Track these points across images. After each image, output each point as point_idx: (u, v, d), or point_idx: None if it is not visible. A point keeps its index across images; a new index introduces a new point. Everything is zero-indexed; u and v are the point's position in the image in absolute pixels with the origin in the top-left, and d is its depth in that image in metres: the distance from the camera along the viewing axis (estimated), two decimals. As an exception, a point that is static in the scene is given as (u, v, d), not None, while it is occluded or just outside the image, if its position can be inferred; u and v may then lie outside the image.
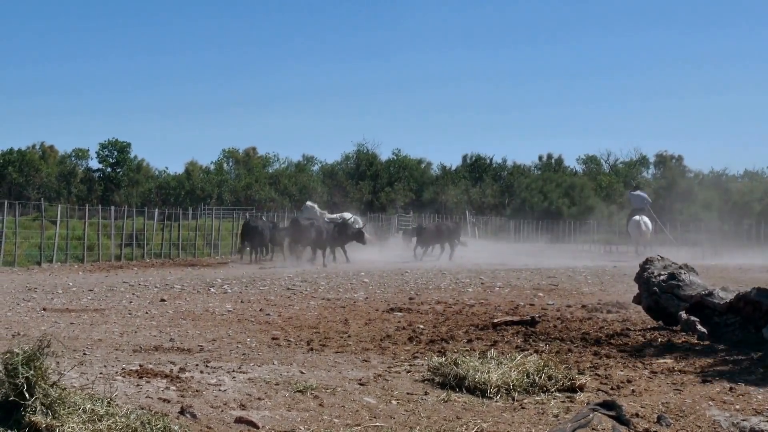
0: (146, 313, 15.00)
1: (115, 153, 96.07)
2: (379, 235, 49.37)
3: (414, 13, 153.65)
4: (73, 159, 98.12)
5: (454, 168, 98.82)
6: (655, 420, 7.13)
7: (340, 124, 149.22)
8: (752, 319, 10.91)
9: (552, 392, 8.06)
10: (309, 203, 43.09)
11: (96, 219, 36.25)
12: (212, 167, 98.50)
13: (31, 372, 5.63)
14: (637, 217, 40.18)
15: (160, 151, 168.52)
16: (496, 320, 13.62)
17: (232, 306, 16.27)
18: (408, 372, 9.18)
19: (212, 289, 19.71)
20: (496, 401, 7.78)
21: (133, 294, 18.39)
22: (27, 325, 13.06)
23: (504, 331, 12.69)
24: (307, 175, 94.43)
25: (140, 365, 8.63)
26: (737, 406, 7.70)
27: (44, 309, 15.17)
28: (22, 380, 5.59)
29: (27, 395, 5.58)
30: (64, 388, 5.94)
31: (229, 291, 19.50)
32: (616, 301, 16.49)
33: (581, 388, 8.22)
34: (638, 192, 43.99)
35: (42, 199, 44.09)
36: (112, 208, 39.40)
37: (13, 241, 30.50)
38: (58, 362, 6.08)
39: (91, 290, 19.10)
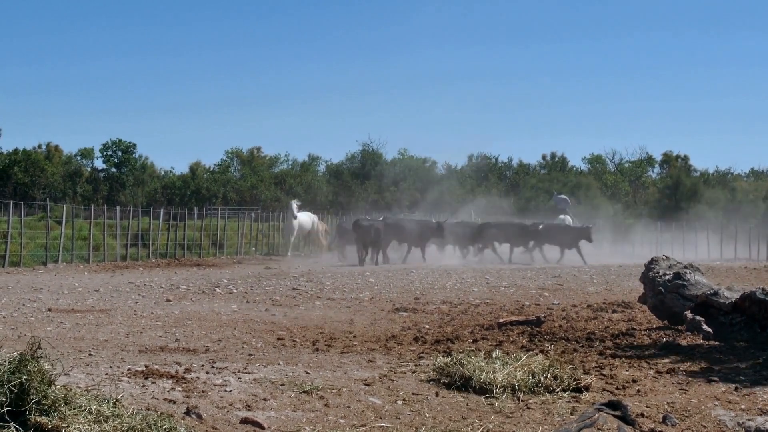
0: (152, 313, 15.02)
1: (120, 153, 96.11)
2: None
3: (419, 12, 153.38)
4: (78, 159, 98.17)
5: (459, 167, 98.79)
6: (661, 420, 7.13)
7: (345, 124, 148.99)
8: (757, 319, 10.92)
9: (557, 392, 8.06)
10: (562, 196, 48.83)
11: (101, 219, 36.24)
12: (217, 167, 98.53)
13: (25, 377, 5.62)
14: (561, 216, 44.23)
15: (165, 151, 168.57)
16: (501, 320, 13.63)
17: (237, 306, 16.29)
18: (413, 372, 9.18)
19: (218, 290, 19.73)
20: (502, 401, 7.78)
21: (139, 294, 18.41)
22: (33, 325, 13.08)
23: (509, 331, 12.69)
24: (312, 175, 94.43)
25: (146, 366, 8.64)
26: (742, 406, 7.70)
27: (50, 309, 15.20)
28: (16, 384, 5.58)
29: (24, 399, 5.58)
30: (70, 389, 5.95)
31: (235, 291, 19.52)
32: (621, 301, 16.48)
33: (587, 388, 8.22)
34: (562, 195, 50.83)
35: (47, 199, 44.17)
36: (118, 208, 39.44)
37: (19, 241, 30.51)
38: (52, 363, 6.05)
39: (96, 291, 19.12)
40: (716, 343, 11.07)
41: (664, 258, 14.42)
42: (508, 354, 9.45)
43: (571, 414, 7.28)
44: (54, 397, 5.69)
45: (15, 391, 5.56)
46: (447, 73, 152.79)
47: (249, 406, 7.12)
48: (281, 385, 7.99)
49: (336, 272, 26.85)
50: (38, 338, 5.97)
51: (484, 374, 8.22)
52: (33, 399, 5.58)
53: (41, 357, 5.80)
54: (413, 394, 8.02)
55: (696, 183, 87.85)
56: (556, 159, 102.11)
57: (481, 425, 6.89)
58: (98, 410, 5.79)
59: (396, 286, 21.69)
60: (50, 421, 5.53)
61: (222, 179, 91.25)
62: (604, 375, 9.11)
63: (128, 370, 8.34)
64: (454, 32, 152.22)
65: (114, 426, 5.64)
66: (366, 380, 8.55)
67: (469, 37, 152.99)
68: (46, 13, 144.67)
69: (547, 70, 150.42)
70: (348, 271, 27.48)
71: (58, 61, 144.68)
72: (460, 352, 9.43)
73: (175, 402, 7.00)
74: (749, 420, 7.16)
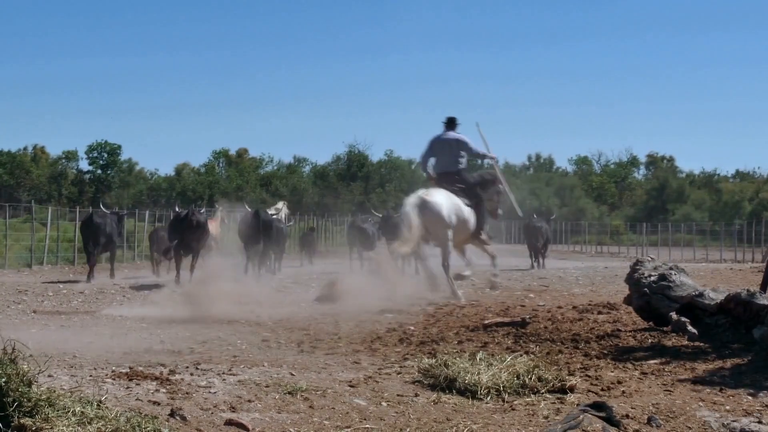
0: (137, 315, 14.99)
1: (105, 155, 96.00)
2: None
3: (406, 14, 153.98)
4: (63, 161, 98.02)
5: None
6: (646, 421, 7.13)
7: (331, 125, 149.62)
8: (743, 320, 10.92)
9: (542, 393, 8.05)
10: None
11: (87, 221, 36.19)
12: (203, 168, 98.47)
13: (3, 379, 5.60)
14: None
15: (152, 153, 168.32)
16: (486, 321, 13.62)
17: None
18: (398, 373, 9.17)
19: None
20: (487, 403, 7.77)
21: (124, 296, 18.37)
22: (17, 327, 13.03)
23: (495, 333, 12.68)
24: (298, 176, 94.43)
25: (130, 367, 8.61)
26: (727, 407, 7.71)
27: (35, 311, 15.17)
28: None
29: (2, 402, 5.55)
30: (53, 391, 5.93)
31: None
32: (606, 302, 16.48)
33: (571, 389, 8.21)
34: None
35: (32, 201, 44.00)
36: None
37: (4, 243, 30.45)
38: (33, 365, 6.03)
39: (81, 293, 19.08)
40: (702, 344, 11.08)
41: (650, 259, 14.44)
42: (493, 355, 9.43)
43: (556, 415, 7.27)
44: (36, 398, 5.66)
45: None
46: (433, 75, 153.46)
47: (233, 408, 7.09)
48: (266, 386, 7.97)
49: (321, 274, 26.81)
50: (14, 340, 5.94)
51: (468, 376, 8.21)
52: (13, 401, 5.55)
53: (19, 358, 5.78)
54: (398, 395, 8.01)
55: (682, 184, 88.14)
56: (542, 160, 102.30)
57: (466, 426, 6.88)
58: (82, 412, 5.76)
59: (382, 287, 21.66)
60: (33, 422, 5.50)
61: (207, 181, 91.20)
62: (589, 376, 9.11)
63: (112, 371, 8.31)
64: (441, 34, 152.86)
65: (98, 428, 5.61)
66: (351, 382, 8.54)
67: (455, 39, 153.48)
68: (29, 14, 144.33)
69: (534, 71, 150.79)
70: (334, 273, 27.44)
71: (44, 62, 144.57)
72: (445, 354, 9.41)
73: (159, 404, 6.98)
74: (734, 421, 7.17)
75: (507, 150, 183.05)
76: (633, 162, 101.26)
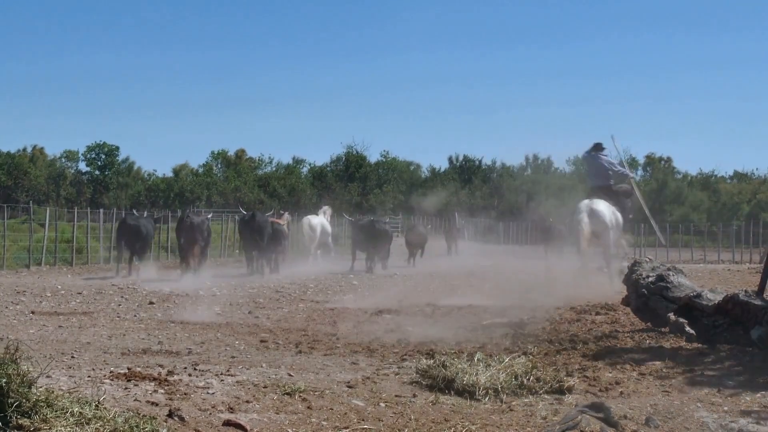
0: (135, 316, 15.00)
1: (103, 156, 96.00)
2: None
3: (402, 15, 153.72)
4: (63, 161, 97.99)
5: (443, 170, 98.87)
6: (644, 422, 7.14)
7: (329, 126, 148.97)
8: (740, 321, 10.92)
9: (540, 394, 8.06)
10: None
11: (85, 222, 36.19)
12: (201, 169, 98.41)
13: (4, 380, 5.60)
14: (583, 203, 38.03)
15: (151, 154, 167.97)
16: (484, 322, 13.63)
17: (220, 309, 16.28)
18: (396, 374, 9.17)
19: (201, 292, 19.70)
20: (485, 403, 7.78)
21: (122, 297, 18.37)
22: (15, 328, 13.04)
23: (492, 333, 12.70)
24: (296, 177, 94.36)
25: (128, 368, 8.61)
26: (725, 408, 7.72)
27: (33, 312, 15.16)
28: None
29: (2, 402, 5.55)
30: (52, 391, 5.93)
31: (218, 294, 19.50)
32: (604, 303, 16.48)
33: (569, 390, 8.22)
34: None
35: (30, 201, 43.97)
36: (101, 210, 39.31)
37: (2, 243, 30.42)
38: (33, 366, 6.03)
39: (79, 293, 19.07)
40: (699, 345, 11.10)
41: (648, 260, 14.45)
42: (491, 356, 9.43)
43: (554, 416, 7.28)
44: (35, 399, 5.66)
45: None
46: (431, 75, 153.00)
47: (231, 409, 7.09)
48: (264, 387, 7.97)
49: (319, 275, 26.83)
50: (16, 341, 5.95)
51: (467, 376, 8.21)
52: (12, 402, 5.55)
53: (20, 359, 5.78)
54: (396, 396, 8.01)
55: (680, 185, 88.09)
56: (540, 161, 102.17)
57: (464, 427, 6.88)
58: (80, 412, 5.77)
59: (380, 288, 21.70)
60: (32, 423, 5.50)
61: (205, 182, 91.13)
62: (587, 377, 9.12)
63: (111, 372, 8.31)
64: (438, 35, 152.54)
65: (96, 428, 5.62)
66: (349, 382, 8.54)
67: (453, 40, 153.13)
68: (28, 13, 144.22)
69: (531, 72, 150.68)
70: (331, 274, 27.46)
71: (42, 63, 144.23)
72: (443, 354, 9.42)
73: (157, 404, 6.98)
74: (732, 422, 7.18)
75: (505, 150, 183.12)
76: (631, 163, 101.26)
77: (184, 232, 27.06)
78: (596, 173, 22.06)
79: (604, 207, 20.83)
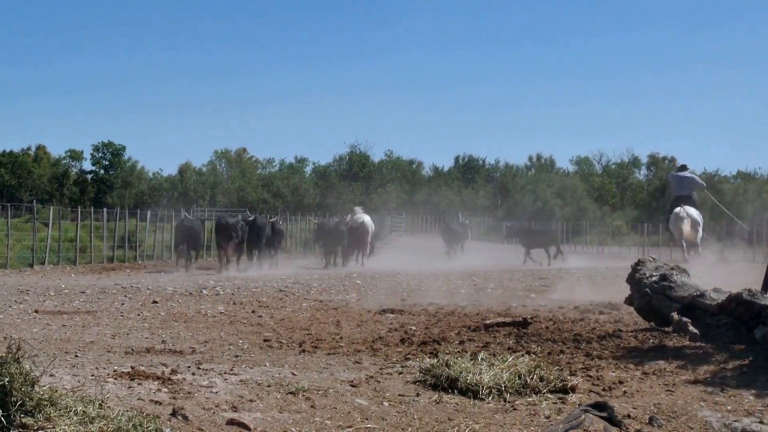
0: (138, 315, 14.99)
1: (109, 155, 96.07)
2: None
3: (407, 15, 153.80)
4: (67, 160, 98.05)
5: (446, 169, 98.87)
6: (647, 421, 7.14)
7: (332, 125, 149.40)
8: (744, 320, 10.90)
9: (544, 393, 8.05)
10: None
11: (88, 221, 36.18)
12: (205, 169, 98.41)
13: (7, 379, 5.59)
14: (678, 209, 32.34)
15: (156, 153, 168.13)
16: (488, 321, 13.61)
17: (224, 308, 16.27)
18: (400, 373, 9.16)
19: (204, 291, 19.71)
20: (488, 403, 7.77)
21: (125, 296, 18.38)
22: (19, 327, 13.04)
23: (496, 333, 12.68)
24: (299, 177, 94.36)
25: (132, 367, 8.62)
26: (729, 407, 7.71)
27: (36, 311, 15.16)
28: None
29: (6, 401, 5.54)
30: (55, 390, 5.93)
31: (221, 293, 19.50)
32: (608, 302, 16.48)
33: (573, 389, 8.21)
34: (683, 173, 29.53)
35: (34, 201, 44.00)
36: (105, 210, 39.40)
37: (6, 243, 30.45)
38: (36, 365, 6.03)
39: (83, 292, 19.08)
40: (703, 344, 11.08)
41: (651, 259, 14.43)
42: (494, 355, 9.44)
43: (558, 415, 7.27)
44: (38, 398, 5.66)
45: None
46: (434, 75, 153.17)
47: (235, 408, 7.10)
48: (267, 386, 7.97)
49: (322, 274, 26.84)
50: (20, 339, 5.95)
51: (470, 375, 8.21)
52: (16, 401, 5.55)
53: (23, 358, 5.78)
54: (399, 395, 8.01)
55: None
56: (543, 160, 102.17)
57: (468, 426, 6.88)
58: (84, 411, 5.77)
59: (383, 287, 21.70)
60: (35, 422, 5.50)
61: (210, 181, 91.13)
62: (591, 376, 9.11)
63: (114, 371, 8.31)
64: (442, 34, 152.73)
65: (100, 427, 5.62)
66: (352, 381, 8.54)
67: (456, 40, 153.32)
68: (32, 14, 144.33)
69: (535, 72, 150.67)
70: (335, 273, 27.47)
71: (46, 63, 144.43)
72: (446, 354, 9.42)
73: (161, 403, 6.98)
74: (735, 421, 7.17)
75: (507, 150, 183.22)
76: (634, 162, 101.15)
77: (219, 232, 30.84)
78: (682, 186, 27.02)
79: (694, 212, 26.31)
